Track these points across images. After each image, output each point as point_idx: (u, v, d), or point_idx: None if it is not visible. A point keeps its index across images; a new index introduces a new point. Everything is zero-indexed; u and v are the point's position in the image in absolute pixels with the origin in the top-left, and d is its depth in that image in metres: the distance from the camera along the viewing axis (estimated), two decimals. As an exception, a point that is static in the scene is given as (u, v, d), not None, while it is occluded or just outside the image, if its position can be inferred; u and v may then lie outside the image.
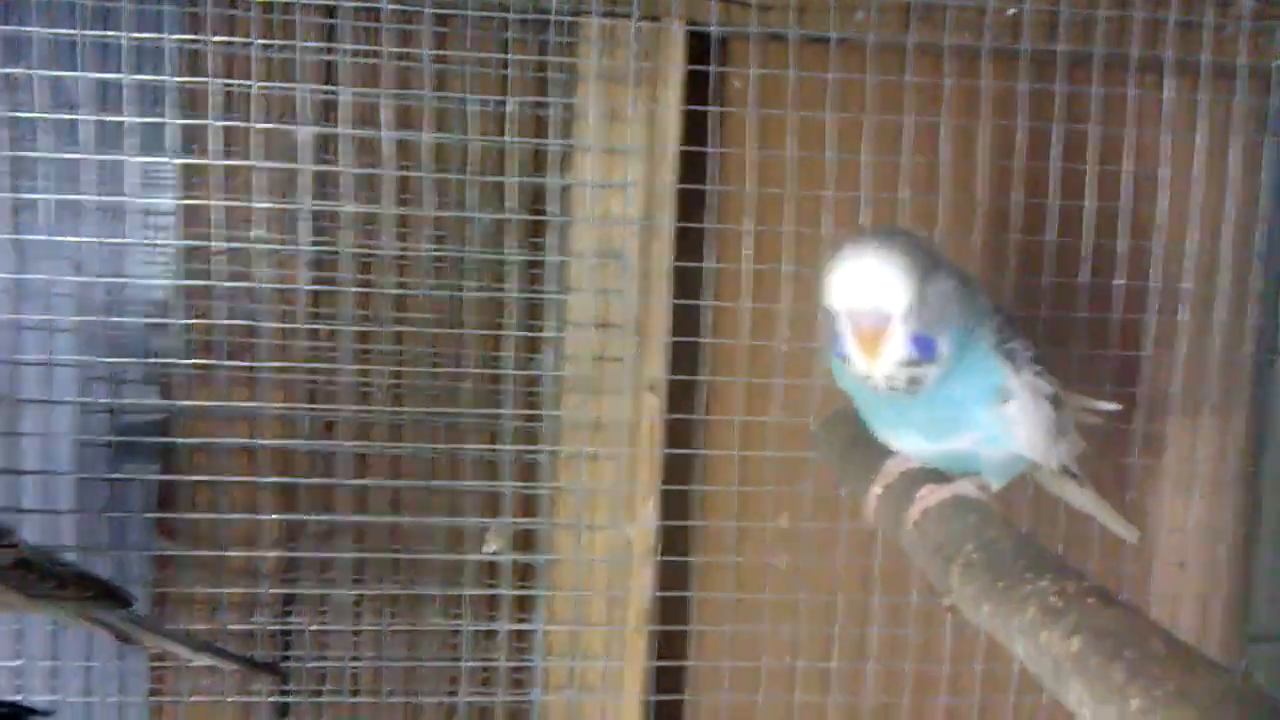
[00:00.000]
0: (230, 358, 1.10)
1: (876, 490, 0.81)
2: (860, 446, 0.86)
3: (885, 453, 0.82)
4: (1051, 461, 0.81)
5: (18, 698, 1.03)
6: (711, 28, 1.09)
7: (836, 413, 0.96)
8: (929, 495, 0.74)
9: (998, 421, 0.74)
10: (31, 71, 1.03)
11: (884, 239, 0.71)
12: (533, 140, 1.10)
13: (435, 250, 1.10)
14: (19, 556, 0.87)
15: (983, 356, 0.73)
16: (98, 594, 0.90)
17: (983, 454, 0.76)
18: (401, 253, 1.11)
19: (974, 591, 0.62)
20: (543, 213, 1.12)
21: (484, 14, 1.07)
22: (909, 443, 0.79)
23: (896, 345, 0.69)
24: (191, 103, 1.07)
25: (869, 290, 0.69)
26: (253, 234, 1.09)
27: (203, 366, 1.10)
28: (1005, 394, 0.74)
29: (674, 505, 1.14)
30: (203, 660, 0.96)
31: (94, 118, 1.04)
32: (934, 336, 0.70)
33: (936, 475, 0.78)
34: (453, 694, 1.14)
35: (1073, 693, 0.50)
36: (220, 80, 1.05)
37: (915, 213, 1.12)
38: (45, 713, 0.94)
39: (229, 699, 1.13)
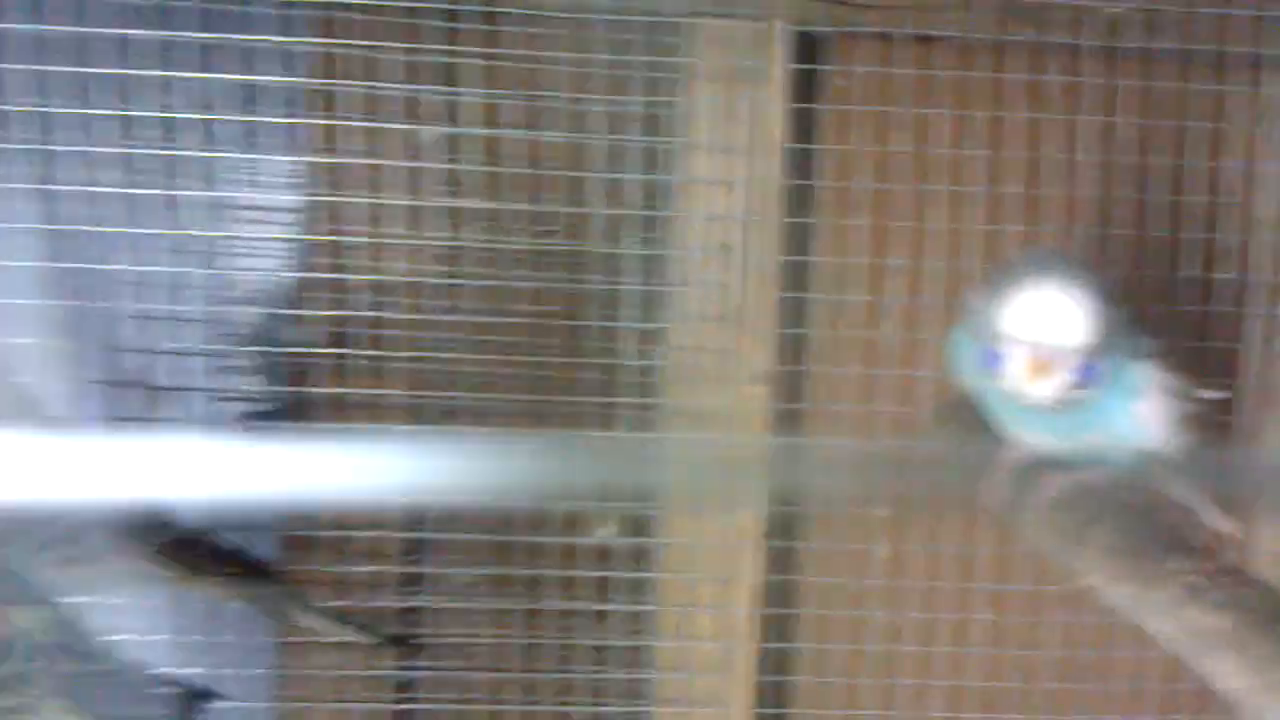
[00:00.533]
0: (359, 348, 1.16)
1: (1000, 477, 0.84)
2: (977, 435, 0.89)
3: (1004, 441, 0.85)
4: (1170, 452, 0.83)
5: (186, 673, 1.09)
6: (816, 28, 1.12)
7: (950, 401, 0.99)
8: (1058, 480, 0.77)
9: (1131, 418, 0.77)
10: (180, 74, 1.09)
11: (1063, 270, 0.73)
12: (644, 139, 1.14)
13: (555, 245, 1.14)
14: (178, 535, 0.92)
15: (1124, 361, 0.76)
16: (250, 572, 0.95)
17: (1110, 446, 0.78)
18: (528, 245, 1.15)
19: (1112, 572, 0.65)
20: (654, 208, 1.16)
21: (610, 17, 1.11)
22: (1037, 437, 0.81)
23: (1066, 374, 0.72)
24: (327, 104, 1.12)
25: (1052, 324, 0.71)
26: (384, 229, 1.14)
27: (337, 356, 1.15)
28: (1141, 393, 0.76)
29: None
30: (344, 636, 1.01)
31: (239, 118, 1.10)
32: (1099, 363, 0.72)
33: (1059, 463, 0.81)
34: (568, 672, 1.18)
35: (1223, 666, 0.53)
36: (360, 84, 1.11)
37: (1019, 208, 1.15)
38: (216, 693, 0.98)
39: (356, 672, 1.19)
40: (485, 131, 1.13)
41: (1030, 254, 1.03)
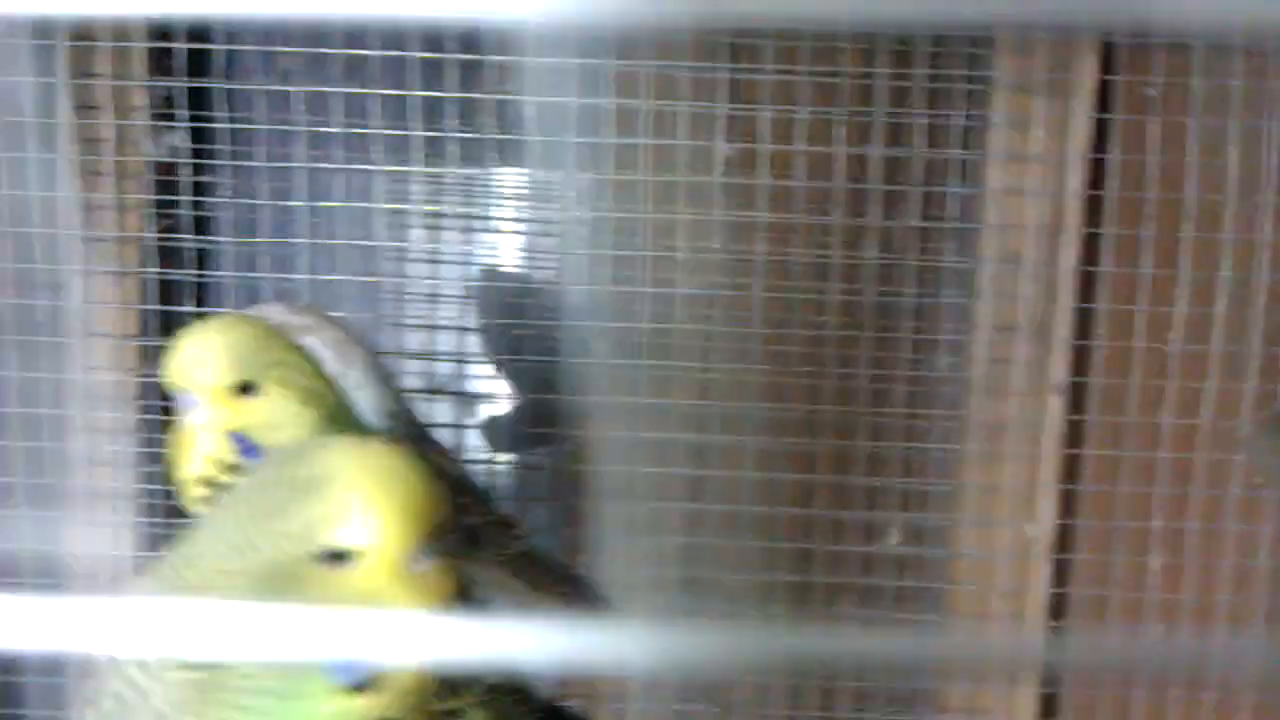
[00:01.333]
0: (647, 358, 1.18)
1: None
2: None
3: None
4: None
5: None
6: (1120, 38, 1.11)
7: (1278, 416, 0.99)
8: None
9: None
10: (483, 95, 1.12)
11: None
12: (945, 150, 1.14)
13: (861, 258, 1.15)
14: (524, 549, 0.94)
15: None
16: (586, 593, 0.97)
17: None
18: (816, 257, 1.16)
19: None
20: (942, 219, 1.16)
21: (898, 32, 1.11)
22: None
23: None
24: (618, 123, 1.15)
25: None
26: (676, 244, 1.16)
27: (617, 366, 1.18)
28: None
29: (1072, 505, 1.17)
30: None
31: (533, 137, 1.13)
32: None
33: None
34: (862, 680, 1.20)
35: None
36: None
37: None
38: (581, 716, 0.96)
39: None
40: (775, 147, 1.15)
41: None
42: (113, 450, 1.12)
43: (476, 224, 1.23)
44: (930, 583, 1.19)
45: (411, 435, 0.91)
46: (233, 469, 0.65)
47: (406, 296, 1.20)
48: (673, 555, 1.22)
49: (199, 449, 0.66)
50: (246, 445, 0.66)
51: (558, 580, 0.96)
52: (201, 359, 0.66)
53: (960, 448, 1.17)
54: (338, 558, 0.45)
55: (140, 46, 1.09)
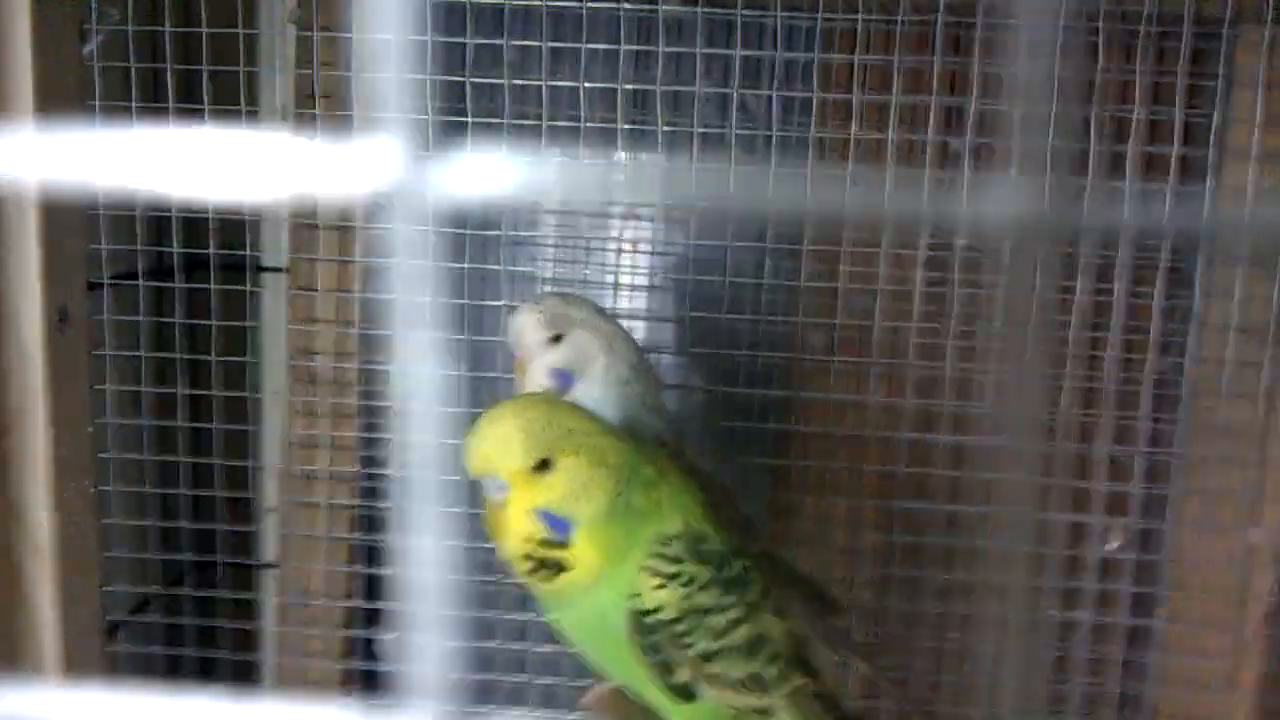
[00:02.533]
0: (842, 352, 1.16)
1: None
2: None
3: None
4: None
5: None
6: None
7: None
8: None
9: None
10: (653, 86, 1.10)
11: None
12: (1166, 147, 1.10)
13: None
14: (764, 548, 0.92)
15: None
16: (816, 595, 0.95)
17: None
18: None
19: None
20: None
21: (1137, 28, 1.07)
22: None
23: None
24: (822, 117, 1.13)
25: None
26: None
27: (822, 361, 1.16)
28: None
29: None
30: (872, 675, 1.00)
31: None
32: None
33: None
34: (1063, 682, 1.17)
35: None
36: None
37: None
38: None
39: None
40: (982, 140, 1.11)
41: None
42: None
43: (674, 213, 1.21)
44: (1148, 588, 1.16)
45: (674, 432, 0.90)
46: (544, 544, 0.72)
47: (604, 287, 1.19)
48: (872, 554, 1.21)
49: (514, 529, 0.72)
50: (553, 520, 0.72)
51: (793, 582, 0.94)
52: (501, 446, 0.71)
53: (1184, 451, 1.13)
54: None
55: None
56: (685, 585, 0.75)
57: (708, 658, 0.76)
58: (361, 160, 0.23)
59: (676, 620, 0.75)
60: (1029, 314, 0.24)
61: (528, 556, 0.72)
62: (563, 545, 0.72)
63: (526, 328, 0.87)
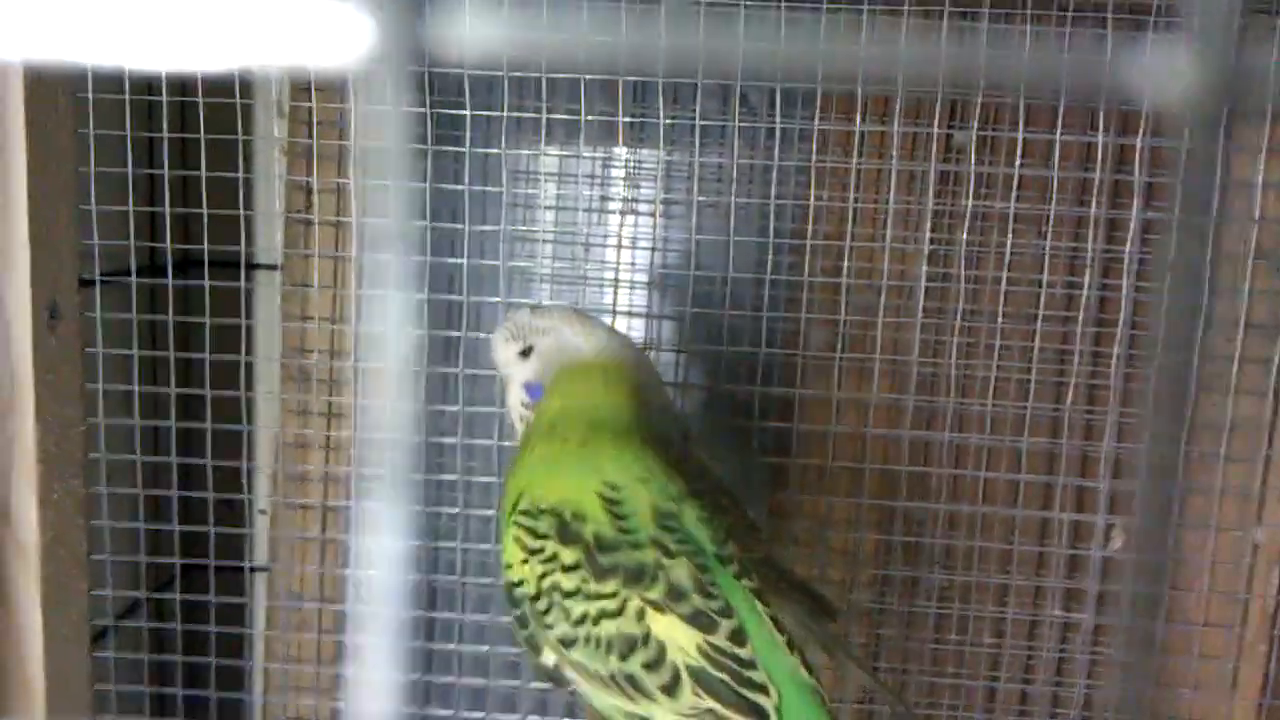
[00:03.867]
0: (846, 349, 1.15)
1: None
2: None
3: None
4: None
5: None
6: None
7: None
8: None
9: None
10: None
11: None
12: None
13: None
14: (765, 553, 0.91)
15: None
16: (814, 601, 0.94)
17: None
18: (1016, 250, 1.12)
19: None
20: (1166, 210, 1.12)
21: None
22: None
23: None
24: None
25: None
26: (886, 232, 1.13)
27: (824, 358, 1.15)
28: None
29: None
30: (869, 681, 0.99)
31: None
32: None
33: None
34: (1059, 685, 1.16)
35: None
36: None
37: None
38: None
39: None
40: (987, 132, 1.10)
41: None
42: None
43: (674, 209, 1.20)
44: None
45: (683, 433, 0.89)
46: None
47: (601, 283, 1.17)
48: (868, 554, 1.19)
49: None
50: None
51: (794, 587, 0.93)
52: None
53: (1188, 449, 1.12)
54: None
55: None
56: (545, 563, 0.74)
57: (566, 644, 0.74)
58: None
59: (536, 597, 0.74)
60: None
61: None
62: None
63: (497, 346, 0.89)
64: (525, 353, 0.87)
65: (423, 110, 1.10)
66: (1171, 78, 0.23)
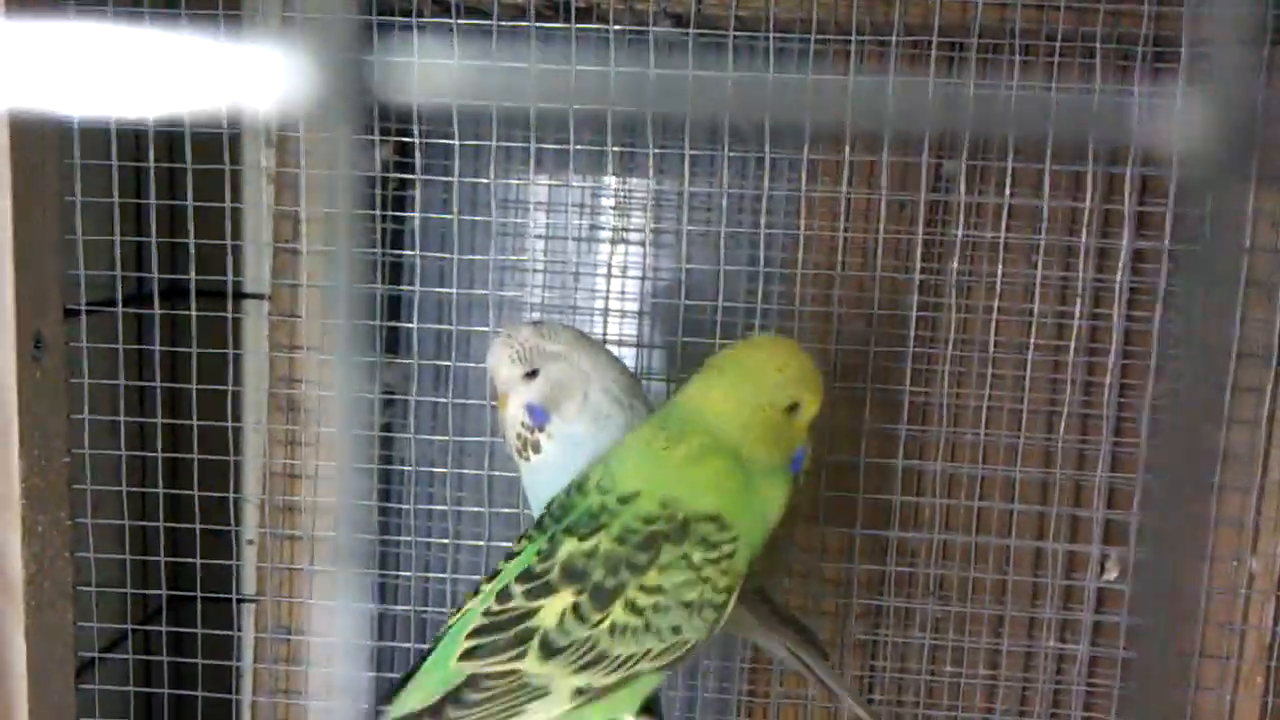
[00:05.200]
0: (837, 378, 1.14)
1: None
2: None
3: None
4: None
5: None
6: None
7: None
8: None
9: None
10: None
11: None
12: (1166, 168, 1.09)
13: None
14: (757, 584, 0.90)
15: None
16: (802, 634, 0.93)
17: None
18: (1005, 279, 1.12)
19: None
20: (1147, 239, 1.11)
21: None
22: None
23: None
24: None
25: None
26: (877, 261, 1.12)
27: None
28: None
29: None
30: (858, 710, 0.98)
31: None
32: None
33: None
34: (1024, 714, 1.15)
35: None
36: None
37: None
38: None
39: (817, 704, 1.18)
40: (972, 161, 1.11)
41: None
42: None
43: (664, 238, 1.20)
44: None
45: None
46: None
47: (591, 312, 1.17)
48: (862, 585, 1.18)
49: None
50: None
51: (785, 621, 0.93)
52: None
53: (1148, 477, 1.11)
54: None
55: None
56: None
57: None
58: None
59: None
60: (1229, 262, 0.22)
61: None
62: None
63: (501, 363, 0.86)
64: (531, 374, 0.86)
65: (371, 174, 1.10)
66: (1164, 119, 0.22)
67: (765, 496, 0.75)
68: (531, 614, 0.73)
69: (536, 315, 1.17)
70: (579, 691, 0.73)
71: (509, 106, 1.10)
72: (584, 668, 0.72)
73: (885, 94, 0.22)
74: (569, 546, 0.74)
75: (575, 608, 0.73)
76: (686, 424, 0.76)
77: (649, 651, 0.72)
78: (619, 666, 0.72)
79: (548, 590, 0.73)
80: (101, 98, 0.22)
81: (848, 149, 1.08)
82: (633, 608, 0.72)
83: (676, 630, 0.72)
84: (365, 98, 0.20)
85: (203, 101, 0.22)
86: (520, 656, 0.72)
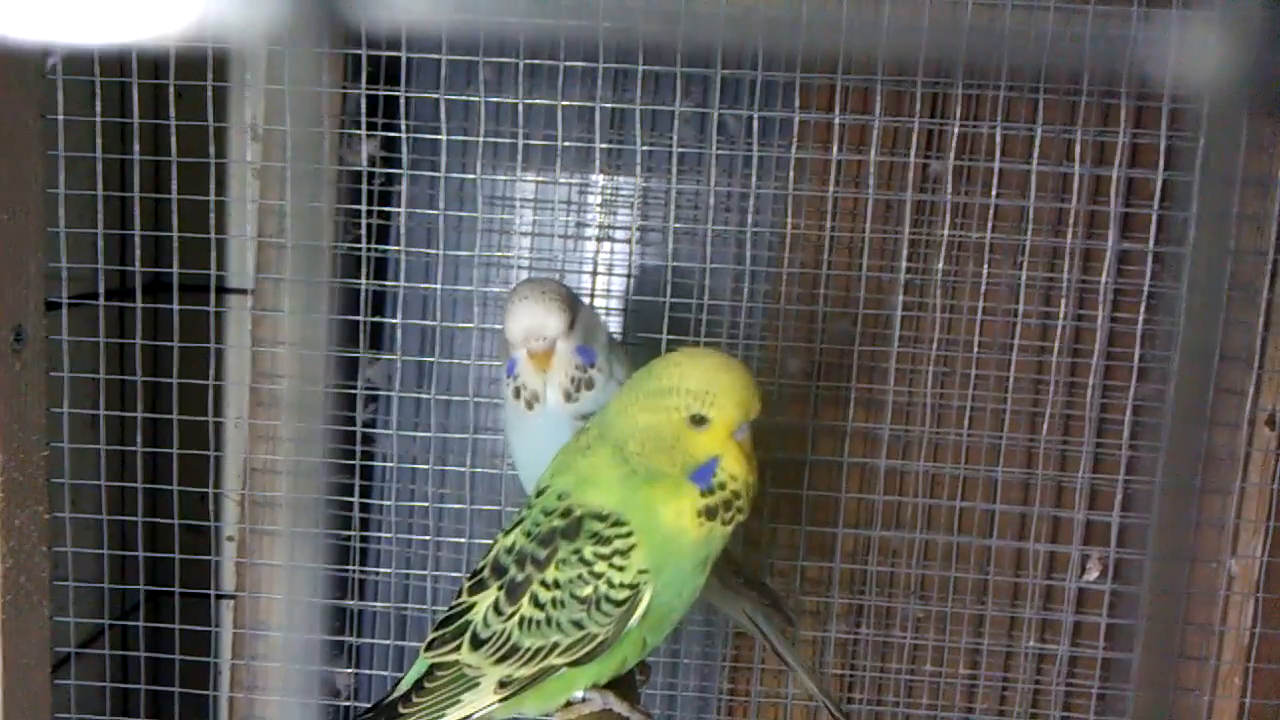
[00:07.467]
0: (821, 377, 1.14)
1: None
2: None
3: None
4: None
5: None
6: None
7: None
8: None
9: None
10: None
11: None
12: (1151, 171, 1.10)
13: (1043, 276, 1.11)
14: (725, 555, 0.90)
15: None
16: (769, 602, 0.94)
17: None
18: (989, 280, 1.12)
19: None
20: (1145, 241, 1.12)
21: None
22: None
23: None
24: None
25: None
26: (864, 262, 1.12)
27: (800, 386, 1.14)
28: None
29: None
30: (810, 687, 0.99)
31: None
32: None
33: None
34: (1003, 714, 1.16)
35: None
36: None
37: None
38: None
39: (796, 702, 1.18)
40: (962, 162, 1.11)
41: None
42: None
43: (650, 235, 1.19)
44: (1123, 619, 1.15)
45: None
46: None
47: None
48: (843, 583, 1.19)
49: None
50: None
51: (748, 584, 0.93)
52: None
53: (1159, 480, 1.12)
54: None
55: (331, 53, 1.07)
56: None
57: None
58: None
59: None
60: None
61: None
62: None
63: (551, 313, 0.86)
64: (572, 322, 0.87)
65: (357, 168, 1.09)
66: (1159, 49, 0.22)
67: (665, 503, 0.74)
68: (471, 608, 0.78)
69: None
70: (502, 684, 0.77)
71: (497, 29, 1.07)
72: (501, 660, 0.76)
73: (879, 22, 0.22)
74: (502, 541, 0.79)
75: (495, 602, 0.77)
76: (603, 427, 0.77)
77: (556, 645, 0.75)
78: (530, 659, 0.76)
79: (481, 586, 0.78)
80: (70, 20, 0.21)
81: (835, 147, 1.08)
82: (535, 602, 0.75)
83: (579, 625, 0.75)
84: (344, 15, 0.20)
85: (176, 23, 0.21)
86: (459, 648, 0.78)
